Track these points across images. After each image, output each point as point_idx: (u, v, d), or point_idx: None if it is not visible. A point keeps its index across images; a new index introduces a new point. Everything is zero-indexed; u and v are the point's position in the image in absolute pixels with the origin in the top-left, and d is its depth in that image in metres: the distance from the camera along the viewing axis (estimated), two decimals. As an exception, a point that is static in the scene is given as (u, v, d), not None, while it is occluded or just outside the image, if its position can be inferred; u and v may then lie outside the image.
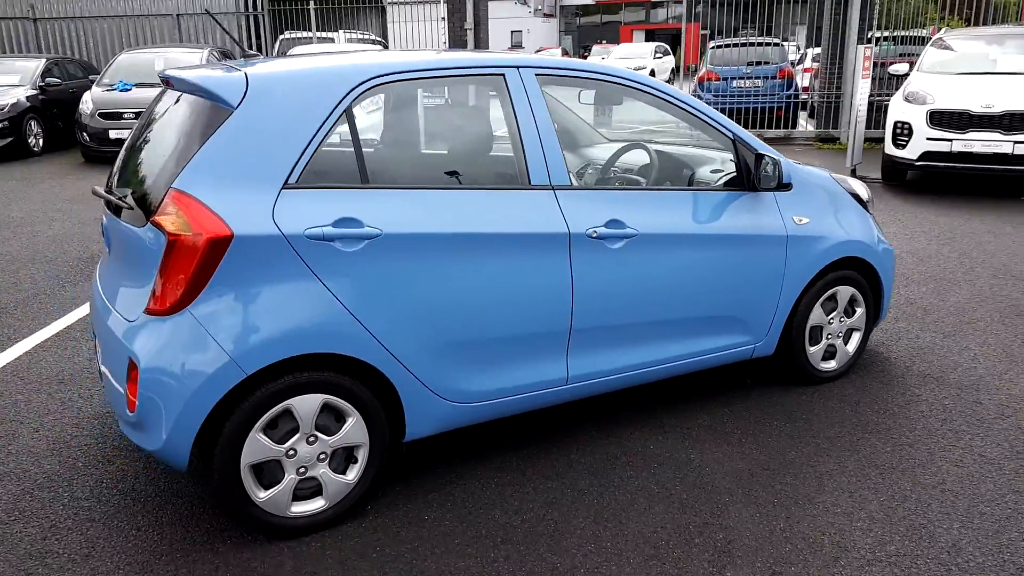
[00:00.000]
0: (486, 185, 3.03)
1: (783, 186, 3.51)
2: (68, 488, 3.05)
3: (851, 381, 3.94)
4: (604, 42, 38.87)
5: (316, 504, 2.75)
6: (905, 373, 4.02)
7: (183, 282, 2.48)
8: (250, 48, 16.14)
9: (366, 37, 17.14)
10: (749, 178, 3.48)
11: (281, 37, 16.34)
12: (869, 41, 12.92)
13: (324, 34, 16.37)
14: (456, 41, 15.32)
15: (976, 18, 13.83)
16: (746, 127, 12.73)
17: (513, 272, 2.94)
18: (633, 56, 26.31)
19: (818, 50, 14.86)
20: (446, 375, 2.88)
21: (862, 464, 3.16)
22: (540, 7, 40.91)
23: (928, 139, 8.34)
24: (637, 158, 3.77)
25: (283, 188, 2.60)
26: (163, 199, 2.55)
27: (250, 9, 15.88)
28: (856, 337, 3.99)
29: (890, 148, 8.83)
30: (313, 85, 2.73)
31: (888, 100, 10.36)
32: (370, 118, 3.25)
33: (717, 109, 13.14)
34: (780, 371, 3.89)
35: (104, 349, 2.83)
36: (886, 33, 13.42)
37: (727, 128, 3.50)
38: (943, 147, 8.28)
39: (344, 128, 2.73)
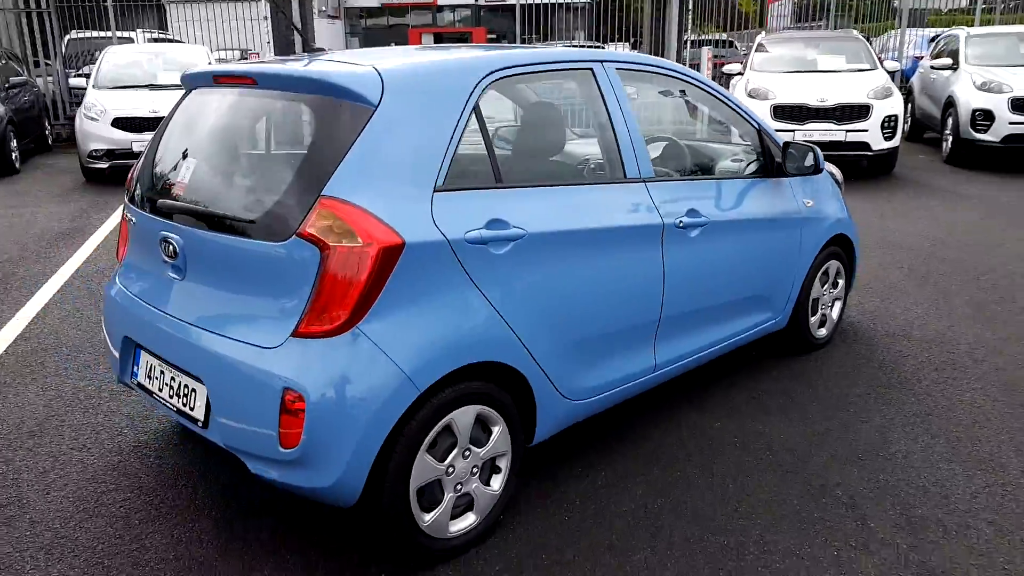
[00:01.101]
0: (593, 180, 3.03)
1: (817, 170, 3.80)
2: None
3: (836, 347, 4.35)
4: (394, 44, 38.70)
5: (468, 520, 2.62)
6: (872, 334, 4.51)
7: (353, 298, 2.26)
8: (33, 51, 14.30)
9: (164, 37, 15.87)
10: (773, 165, 3.74)
11: (68, 36, 14.69)
12: (686, 43, 14.08)
13: (123, 34, 14.90)
14: (281, 42, 14.63)
15: (726, 24, 15.50)
16: None
17: (621, 266, 2.97)
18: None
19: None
20: (569, 373, 2.85)
21: (903, 414, 3.53)
22: (324, 8, 39.91)
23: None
24: (671, 151, 3.91)
25: (434, 191, 2.45)
26: (311, 209, 2.29)
27: (32, 5, 14.03)
28: (838, 306, 4.41)
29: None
30: (445, 79, 2.59)
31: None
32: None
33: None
34: (785, 343, 4.21)
35: (212, 382, 2.47)
36: (699, 36, 14.68)
37: (754, 119, 3.74)
38: (787, 136, 9.24)
39: (474, 125, 2.61)
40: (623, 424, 3.45)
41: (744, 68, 10.62)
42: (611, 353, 3.02)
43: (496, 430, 2.62)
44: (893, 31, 14.69)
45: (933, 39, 13.34)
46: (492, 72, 2.71)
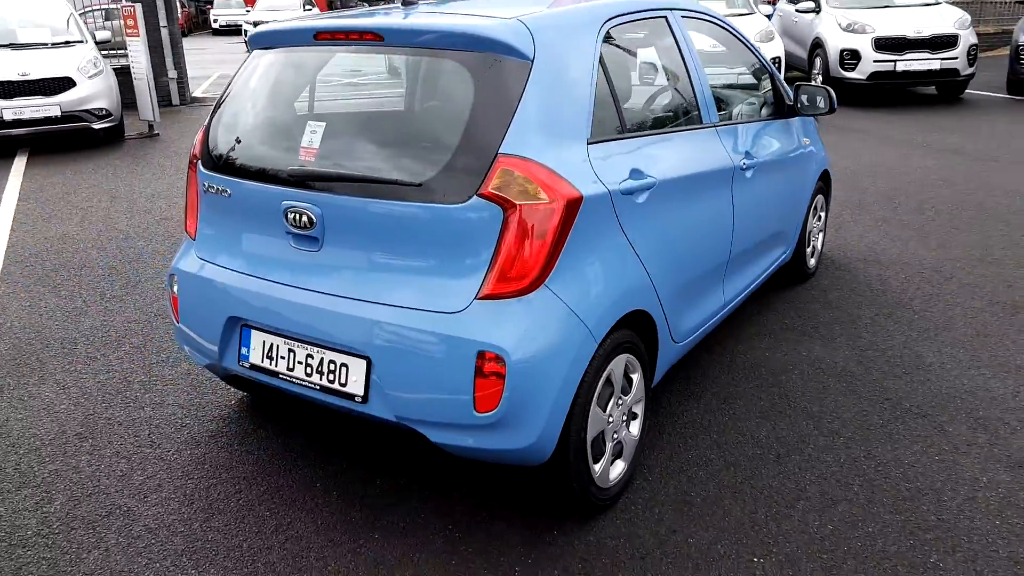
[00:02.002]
0: (687, 126, 3.10)
1: (832, 110, 4.05)
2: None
3: (824, 276, 4.73)
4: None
5: (619, 468, 2.70)
6: (845, 262, 4.93)
7: (541, 255, 2.25)
8: None
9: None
10: (785, 107, 3.97)
11: None
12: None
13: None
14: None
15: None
16: None
17: (711, 208, 3.11)
18: (281, 7, 25.04)
19: None
20: (679, 316, 2.97)
21: (916, 330, 3.93)
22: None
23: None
24: (717, 97, 4.02)
25: (588, 143, 2.45)
26: (490, 168, 2.24)
27: None
28: (821, 237, 4.78)
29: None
30: (579, 29, 2.58)
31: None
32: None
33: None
34: (787, 275, 4.52)
35: (378, 353, 2.37)
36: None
37: (768, 65, 3.94)
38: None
39: (600, 74, 2.62)
40: (687, 366, 3.63)
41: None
42: (702, 293, 3.17)
43: (635, 377, 2.70)
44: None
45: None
46: (608, 19, 2.73)
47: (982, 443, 2.97)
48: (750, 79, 3.96)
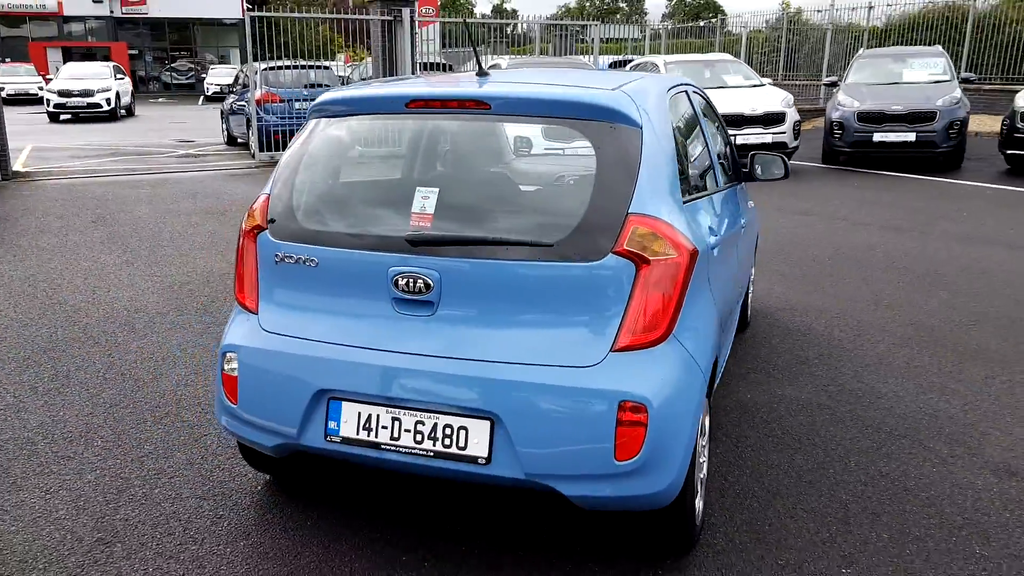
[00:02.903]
0: (713, 189, 3.40)
1: (786, 176, 4.52)
2: None
3: (757, 322, 5.23)
4: (9, 60, 33.51)
5: (699, 504, 2.86)
6: (768, 311, 5.48)
7: (671, 307, 2.42)
8: None
9: None
10: (740, 173, 4.43)
11: None
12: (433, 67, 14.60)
13: None
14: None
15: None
16: None
17: (730, 263, 3.45)
18: (91, 76, 23.61)
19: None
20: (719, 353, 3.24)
21: (859, 366, 4.46)
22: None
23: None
24: None
25: (683, 204, 2.68)
26: (622, 227, 2.41)
27: None
28: (751, 288, 5.29)
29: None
30: (661, 98, 2.81)
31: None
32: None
33: (281, 130, 13.37)
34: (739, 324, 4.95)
35: (509, 412, 2.40)
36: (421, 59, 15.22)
37: (727, 133, 4.40)
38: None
39: (676, 139, 2.87)
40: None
41: None
42: (725, 344, 3.46)
43: (707, 419, 2.91)
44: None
45: (611, 64, 15.50)
46: (668, 89, 3.01)
47: (961, 454, 3.44)
48: (723, 146, 4.41)
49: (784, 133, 11.47)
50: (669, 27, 22.80)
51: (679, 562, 2.71)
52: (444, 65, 15.51)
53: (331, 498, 3.13)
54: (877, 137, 11.87)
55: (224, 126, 16.77)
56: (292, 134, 13.67)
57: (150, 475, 3.32)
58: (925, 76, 12.80)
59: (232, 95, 16.42)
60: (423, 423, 2.50)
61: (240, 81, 16.10)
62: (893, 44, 19.38)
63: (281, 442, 2.70)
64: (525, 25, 20.52)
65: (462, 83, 2.88)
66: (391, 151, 2.95)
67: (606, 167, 2.52)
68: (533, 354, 2.43)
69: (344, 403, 2.59)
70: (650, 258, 2.40)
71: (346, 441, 2.59)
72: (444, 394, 2.47)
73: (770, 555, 2.74)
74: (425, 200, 2.58)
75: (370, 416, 2.56)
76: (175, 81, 38.61)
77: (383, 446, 2.55)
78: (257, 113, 13.56)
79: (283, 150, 13.37)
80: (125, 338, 5.00)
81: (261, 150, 13.50)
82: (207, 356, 4.66)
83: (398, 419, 2.53)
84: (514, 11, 68.59)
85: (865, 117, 11.96)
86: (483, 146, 2.82)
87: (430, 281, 2.50)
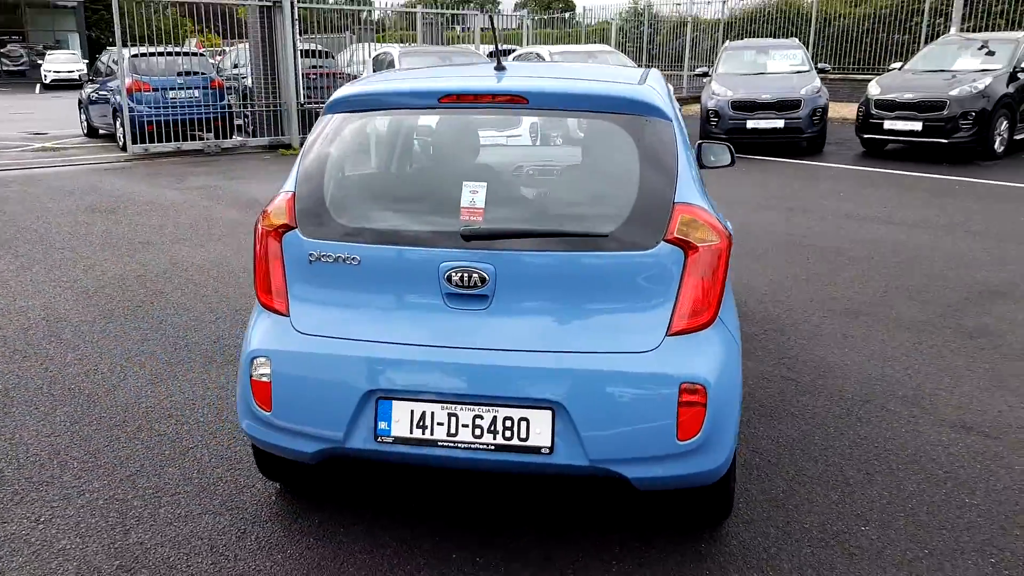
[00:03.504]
0: None
1: (732, 163, 4.74)
2: None
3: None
4: None
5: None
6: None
7: (718, 291, 2.53)
8: None
9: None
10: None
11: None
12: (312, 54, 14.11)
13: None
14: None
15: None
16: (183, 139, 12.72)
17: None
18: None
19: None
20: None
21: (796, 339, 4.80)
22: None
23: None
24: None
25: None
26: (670, 216, 2.50)
27: None
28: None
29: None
30: (669, 93, 2.90)
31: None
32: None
33: (155, 120, 12.63)
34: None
35: (573, 400, 2.44)
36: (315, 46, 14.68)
37: None
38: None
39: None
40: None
41: None
42: None
43: None
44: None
45: (489, 54, 15.57)
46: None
47: (920, 415, 3.80)
48: None
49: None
50: (535, 18, 23.16)
51: (716, 532, 2.86)
52: (324, 52, 15.08)
53: (351, 502, 3.07)
54: (750, 124, 12.61)
55: (83, 117, 15.57)
56: (168, 125, 12.91)
57: (148, 494, 3.13)
58: (787, 67, 13.73)
59: (92, 83, 15.25)
60: (481, 417, 2.51)
61: (102, 68, 14.97)
62: (737, 36, 20.65)
63: (323, 447, 2.62)
64: (387, 11, 20.11)
65: (483, 76, 2.88)
66: (424, 145, 2.90)
67: (649, 159, 2.60)
68: (592, 342, 2.49)
69: (395, 402, 2.56)
70: (698, 245, 2.51)
71: (399, 441, 2.55)
72: (503, 387, 2.49)
73: (795, 520, 2.94)
74: (474, 194, 2.58)
75: (424, 413, 2.54)
76: (6, 68, 35.26)
77: (440, 443, 2.53)
78: (128, 103, 12.66)
79: (159, 142, 12.85)
80: (56, 350, 4.62)
81: (134, 142, 12.64)
82: (159, 365, 4.40)
83: (454, 415, 2.52)
84: (368, -3, 67.21)
85: (739, 105, 12.68)
86: (521, 140, 2.84)
87: (485, 275, 2.50)
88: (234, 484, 3.20)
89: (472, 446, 2.52)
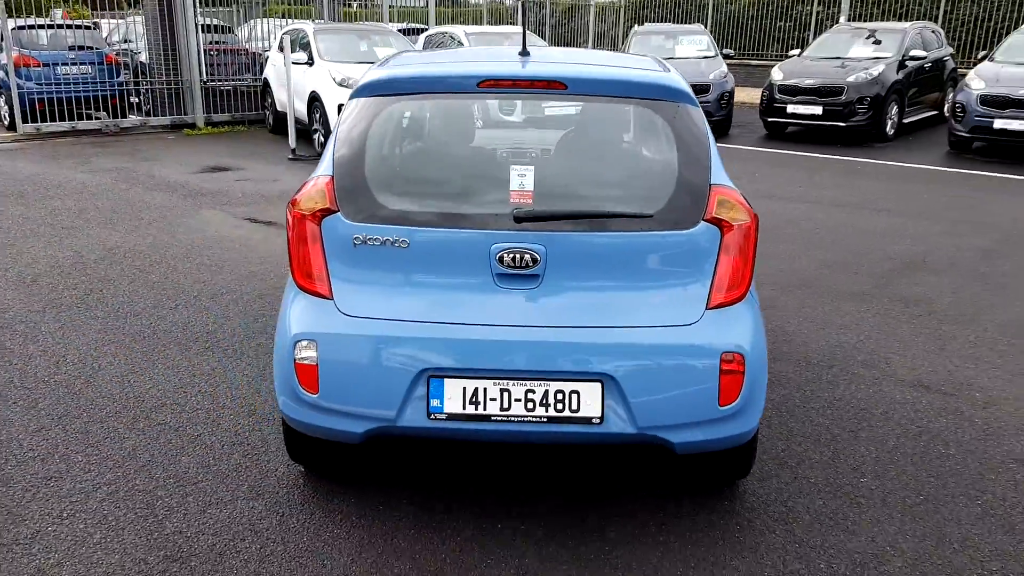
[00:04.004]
0: None
1: None
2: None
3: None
4: None
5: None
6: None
7: (749, 266, 2.71)
8: None
9: None
10: None
11: None
12: (211, 28, 13.48)
13: None
14: None
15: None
16: (77, 118, 12.01)
17: None
18: None
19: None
20: None
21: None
22: None
23: None
24: None
25: None
26: (708, 197, 2.66)
27: None
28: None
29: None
30: None
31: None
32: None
33: (45, 98, 11.84)
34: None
35: (624, 372, 2.58)
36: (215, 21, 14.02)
37: None
38: None
39: None
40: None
41: (311, 57, 10.98)
42: None
43: None
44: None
45: (402, 31, 15.36)
46: None
47: (881, 377, 4.16)
48: None
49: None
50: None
51: (736, 490, 3.08)
52: (225, 27, 14.49)
53: (381, 481, 3.11)
54: (662, 107, 13.04)
55: (-42, 94, 14.35)
56: (60, 102, 12.14)
57: (169, 484, 3.06)
58: (694, 52, 14.26)
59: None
60: (533, 391, 2.61)
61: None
62: (635, 21, 21.21)
63: (374, 427, 2.66)
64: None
65: (511, 61, 2.95)
66: (463, 129, 2.95)
67: (684, 143, 2.75)
68: (638, 316, 2.64)
69: (446, 380, 2.62)
70: (732, 224, 2.69)
71: (452, 417, 2.62)
72: (555, 362, 2.60)
73: (801, 476, 3.20)
74: (522, 178, 2.67)
75: (476, 390, 2.62)
76: None
77: (494, 418, 2.62)
78: (16, 80, 11.79)
79: (50, 121, 12.01)
80: (14, 342, 4.38)
81: (24, 121, 11.81)
82: (131, 354, 4.25)
83: (507, 390, 2.62)
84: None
85: (650, 89, 13.09)
86: (557, 122, 2.94)
87: (537, 255, 2.60)
88: (257, 470, 3.17)
89: (525, 419, 2.62)
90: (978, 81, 10.52)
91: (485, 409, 2.62)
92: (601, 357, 2.59)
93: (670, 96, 2.80)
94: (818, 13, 19.35)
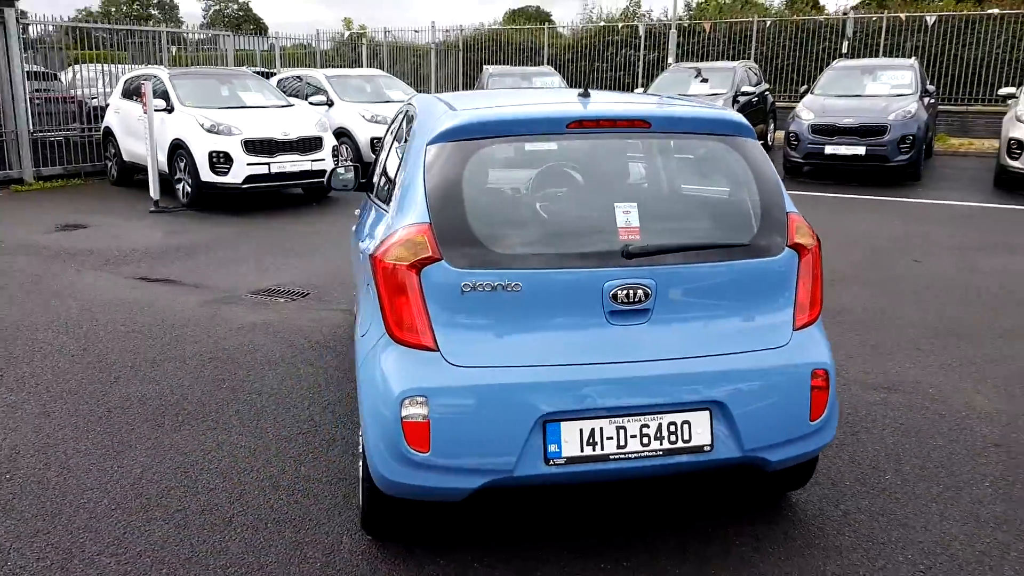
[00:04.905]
0: None
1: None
2: None
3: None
4: None
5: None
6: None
7: (819, 286, 2.90)
8: None
9: None
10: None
11: None
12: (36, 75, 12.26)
13: None
14: None
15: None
16: None
17: None
18: None
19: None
20: None
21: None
22: None
23: (248, 164, 9.72)
24: None
25: None
26: (787, 225, 2.84)
27: None
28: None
29: (209, 175, 9.67)
30: None
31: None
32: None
33: None
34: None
35: (732, 397, 2.66)
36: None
37: None
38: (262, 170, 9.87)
39: None
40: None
41: (170, 104, 10.29)
42: None
43: None
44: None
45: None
46: None
47: (848, 382, 4.52)
48: None
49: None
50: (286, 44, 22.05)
51: (794, 499, 3.26)
52: (48, 74, 13.28)
53: (457, 543, 3.00)
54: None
55: None
56: None
57: (236, 573, 2.77)
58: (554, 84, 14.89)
59: None
60: (647, 426, 2.65)
61: None
62: (481, 62, 21.80)
63: (488, 480, 2.59)
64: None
65: (572, 102, 3.00)
66: (556, 169, 2.98)
67: (759, 174, 2.92)
68: (738, 343, 2.75)
69: (563, 423, 2.60)
70: (808, 248, 2.88)
71: (571, 461, 2.60)
72: (667, 394, 2.65)
73: (833, 479, 3.43)
74: (627, 214, 2.71)
75: (593, 430, 2.62)
76: None
77: (612, 456, 2.62)
78: None
79: None
80: (-57, 439, 3.76)
81: None
82: (96, 436, 3.79)
83: (623, 427, 2.63)
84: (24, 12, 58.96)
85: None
86: (647, 159, 3.02)
87: (648, 289, 2.65)
88: (319, 545, 2.94)
89: (642, 455, 2.64)
90: (807, 112, 11.78)
91: (603, 449, 2.62)
92: (710, 385, 2.67)
93: (739, 131, 2.98)
94: (648, 57, 20.77)
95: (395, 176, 3.23)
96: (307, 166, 10.08)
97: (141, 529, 3.04)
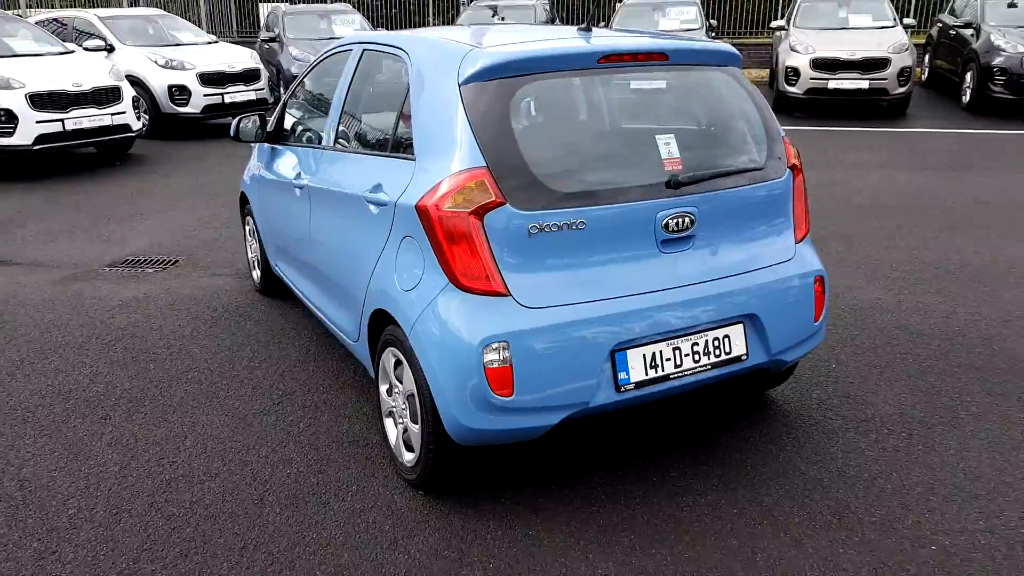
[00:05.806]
0: None
1: None
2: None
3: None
4: None
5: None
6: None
7: (807, 204, 3.18)
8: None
9: None
10: None
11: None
12: None
13: None
14: None
15: None
16: None
17: None
18: None
19: None
20: None
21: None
22: None
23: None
24: None
25: None
26: (783, 147, 3.08)
27: None
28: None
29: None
30: None
31: None
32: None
33: None
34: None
35: (763, 309, 2.89)
36: None
37: None
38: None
39: None
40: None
41: None
42: None
43: None
44: None
45: None
46: None
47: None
48: None
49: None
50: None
51: (774, 392, 3.61)
52: None
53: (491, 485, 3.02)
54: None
55: None
56: None
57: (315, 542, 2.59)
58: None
59: None
60: (697, 344, 2.83)
61: None
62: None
63: (567, 414, 2.64)
64: None
65: (574, 37, 3.00)
66: (592, 105, 2.93)
67: (756, 102, 3.13)
68: (761, 258, 2.98)
69: (628, 351, 2.70)
70: (799, 168, 3.15)
71: (638, 385, 2.73)
72: (712, 312, 2.83)
73: (875, 413, 3.69)
74: (668, 145, 2.80)
75: (654, 354, 2.75)
76: None
77: (671, 376, 2.78)
78: None
79: None
80: None
81: None
82: (34, 428, 3.29)
83: (678, 348, 2.79)
84: None
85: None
86: (668, 92, 3.06)
87: (693, 217, 2.78)
88: (382, 507, 2.82)
89: (695, 371, 2.82)
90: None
91: (663, 370, 2.76)
92: (746, 299, 2.89)
93: (735, 62, 3.16)
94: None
95: (395, 122, 3.07)
96: (107, 121, 8.93)
97: (162, 528, 2.73)
